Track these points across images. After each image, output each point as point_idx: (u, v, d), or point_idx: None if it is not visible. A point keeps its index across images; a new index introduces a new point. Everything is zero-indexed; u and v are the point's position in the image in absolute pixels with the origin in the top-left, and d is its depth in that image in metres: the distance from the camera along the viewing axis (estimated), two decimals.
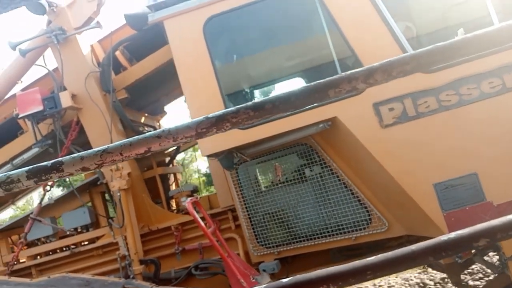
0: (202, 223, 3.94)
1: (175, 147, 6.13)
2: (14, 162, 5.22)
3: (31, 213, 5.30)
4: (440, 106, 3.64)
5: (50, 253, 5.47)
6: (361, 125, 3.75)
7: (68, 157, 1.03)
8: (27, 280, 4.47)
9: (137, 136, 1.03)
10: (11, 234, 5.61)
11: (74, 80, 4.80)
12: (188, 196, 5.63)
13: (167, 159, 6.31)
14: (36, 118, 4.75)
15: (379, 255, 0.95)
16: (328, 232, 4.44)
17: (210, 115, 1.00)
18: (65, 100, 4.60)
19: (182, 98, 6.51)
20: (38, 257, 5.44)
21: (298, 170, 4.50)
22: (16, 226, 5.59)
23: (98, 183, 5.13)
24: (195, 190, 5.80)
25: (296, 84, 5.07)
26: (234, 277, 3.88)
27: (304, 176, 4.47)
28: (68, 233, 5.27)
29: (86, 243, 5.60)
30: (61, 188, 13.75)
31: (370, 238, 4.34)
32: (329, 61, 3.98)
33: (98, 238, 5.34)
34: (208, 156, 4.19)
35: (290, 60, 4.71)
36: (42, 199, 4.84)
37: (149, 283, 4.52)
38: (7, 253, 5.46)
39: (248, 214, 4.74)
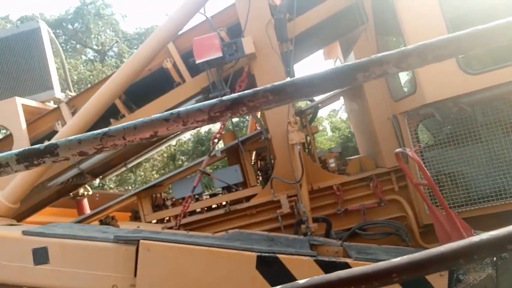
0: (428, 174, 3.73)
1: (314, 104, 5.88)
2: None
3: (180, 171, 5.10)
4: None
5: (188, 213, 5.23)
6: None
7: (63, 140, 0.94)
8: (209, 234, 4.23)
9: (142, 119, 0.94)
10: (153, 192, 5.35)
11: (255, 26, 4.50)
12: (336, 157, 5.45)
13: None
14: (212, 65, 4.46)
15: (405, 257, 0.88)
16: None
17: (225, 98, 0.92)
18: (248, 46, 4.29)
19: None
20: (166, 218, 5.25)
21: (490, 128, 4.31)
22: (159, 184, 5.34)
23: (263, 137, 4.88)
24: (341, 152, 5.60)
25: None
26: (457, 229, 3.70)
27: (498, 134, 4.30)
28: (222, 192, 5.07)
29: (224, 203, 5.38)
30: None
31: None
32: None
33: (246, 198, 5.11)
34: (427, 105, 3.98)
35: None
36: (211, 151, 4.58)
37: (336, 240, 4.32)
38: (150, 212, 5.21)
39: None
